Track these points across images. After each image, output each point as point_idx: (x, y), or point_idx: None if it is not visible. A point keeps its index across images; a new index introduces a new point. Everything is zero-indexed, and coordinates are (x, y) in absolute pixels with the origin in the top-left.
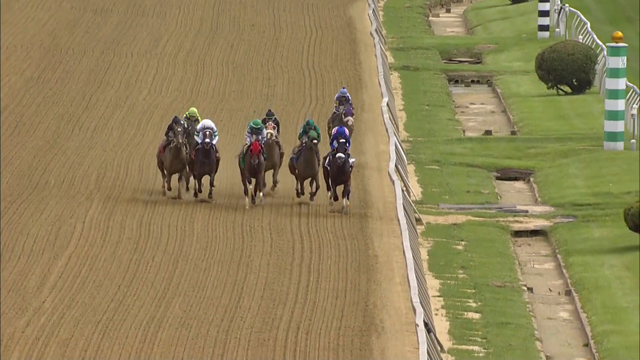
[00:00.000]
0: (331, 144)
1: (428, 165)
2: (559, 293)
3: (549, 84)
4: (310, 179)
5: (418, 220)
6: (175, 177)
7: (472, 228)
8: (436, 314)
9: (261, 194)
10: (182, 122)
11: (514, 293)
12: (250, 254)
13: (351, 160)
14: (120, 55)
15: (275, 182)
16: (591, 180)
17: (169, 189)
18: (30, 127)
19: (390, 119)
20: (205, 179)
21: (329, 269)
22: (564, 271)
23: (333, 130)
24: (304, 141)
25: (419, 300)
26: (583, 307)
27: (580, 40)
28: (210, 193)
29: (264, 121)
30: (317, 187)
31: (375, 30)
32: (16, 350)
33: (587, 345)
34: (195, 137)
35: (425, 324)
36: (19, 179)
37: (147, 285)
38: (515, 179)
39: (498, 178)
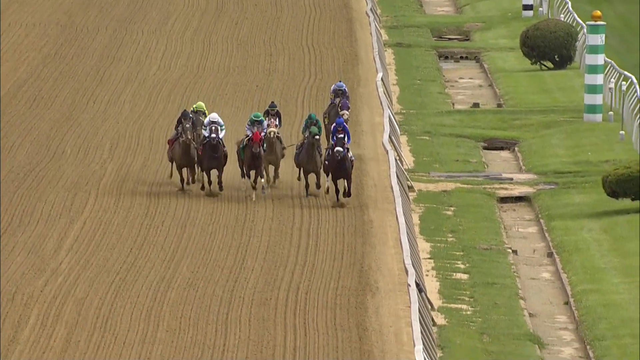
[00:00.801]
0: (332, 137)
1: (419, 136)
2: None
3: (533, 60)
4: (313, 173)
5: (410, 188)
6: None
7: (461, 195)
8: (427, 275)
9: (262, 180)
10: (190, 116)
11: (499, 255)
12: (253, 219)
13: (351, 155)
14: (132, 33)
15: (276, 177)
16: (572, 149)
17: (182, 180)
18: (48, 100)
19: (384, 93)
20: (213, 172)
21: (327, 233)
22: (546, 234)
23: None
24: (306, 136)
25: (410, 262)
26: (564, 268)
27: (562, 19)
28: (220, 186)
29: (267, 112)
30: (318, 180)
31: (371, 9)
32: (35, 308)
33: (567, 303)
34: (203, 131)
35: (417, 284)
36: (37, 148)
37: (157, 248)
38: (501, 148)
39: (485, 148)
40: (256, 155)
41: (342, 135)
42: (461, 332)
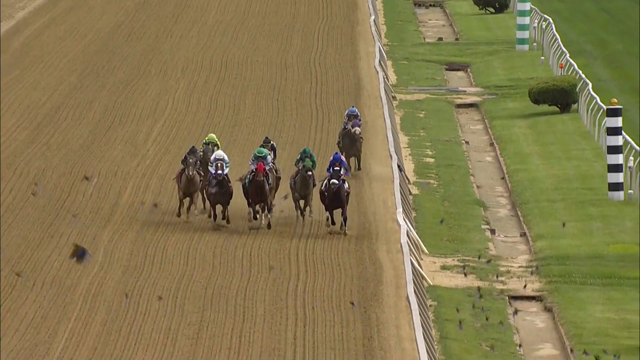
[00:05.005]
0: (328, 169)
1: (400, 61)
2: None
3: (480, 7)
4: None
5: (394, 97)
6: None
7: (429, 102)
8: (405, 159)
9: (269, 215)
10: (198, 151)
11: (456, 145)
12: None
13: (346, 186)
14: (180, 23)
15: (271, 205)
16: (507, 70)
17: (181, 208)
18: (138, 35)
19: (375, 30)
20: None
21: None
22: (489, 130)
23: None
24: (299, 168)
25: (394, 150)
26: (501, 153)
27: None
28: (227, 219)
29: (262, 147)
30: (309, 206)
31: None
32: (130, 182)
33: (503, 178)
34: (210, 167)
35: (398, 166)
36: (130, 69)
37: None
38: (458, 69)
39: (446, 69)
40: (260, 185)
41: (338, 168)
42: (429, 199)
